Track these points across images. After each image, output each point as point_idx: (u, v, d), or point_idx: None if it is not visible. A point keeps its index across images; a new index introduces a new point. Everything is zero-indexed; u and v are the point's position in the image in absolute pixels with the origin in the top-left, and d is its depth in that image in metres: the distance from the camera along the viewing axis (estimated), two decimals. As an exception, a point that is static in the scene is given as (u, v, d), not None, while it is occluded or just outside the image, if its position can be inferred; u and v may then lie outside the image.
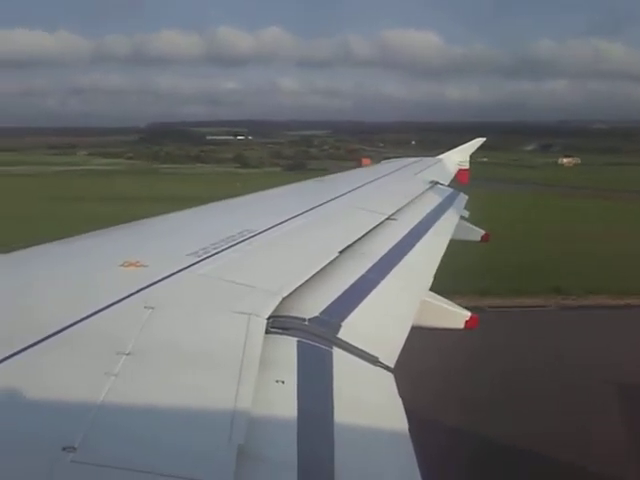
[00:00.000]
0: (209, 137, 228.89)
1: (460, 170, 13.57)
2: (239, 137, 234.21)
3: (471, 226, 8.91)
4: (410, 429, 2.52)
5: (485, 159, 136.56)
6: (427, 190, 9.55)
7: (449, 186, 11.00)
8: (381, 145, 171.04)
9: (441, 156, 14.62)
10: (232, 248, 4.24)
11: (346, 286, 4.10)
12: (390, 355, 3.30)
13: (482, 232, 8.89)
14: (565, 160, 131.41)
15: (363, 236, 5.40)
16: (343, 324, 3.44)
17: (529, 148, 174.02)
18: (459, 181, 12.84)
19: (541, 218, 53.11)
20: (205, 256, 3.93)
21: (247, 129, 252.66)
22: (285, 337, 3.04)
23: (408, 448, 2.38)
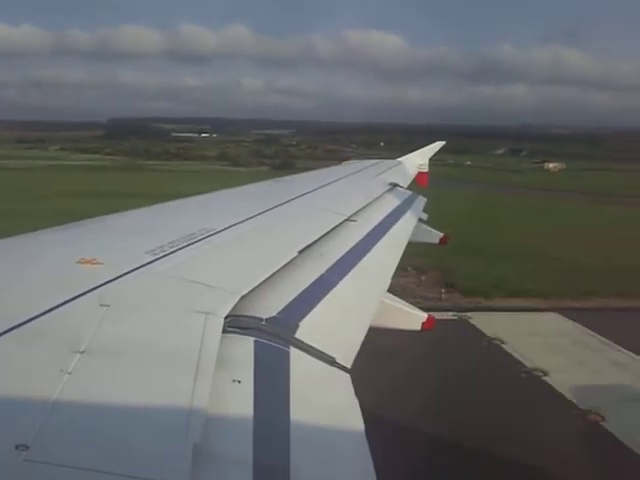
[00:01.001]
0: (174, 134, 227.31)
1: (420, 173, 13.69)
2: (203, 134, 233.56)
3: (429, 229, 9.00)
4: (366, 430, 2.54)
5: (469, 162, 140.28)
6: (387, 192, 9.53)
7: (408, 188, 11.10)
8: (353, 146, 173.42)
9: (401, 159, 14.66)
10: (191, 246, 4.21)
11: (304, 286, 4.09)
12: (347, 356, 3.30)
13: (440, 235, 8.99)
14: (551, 165, 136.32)
15: (322, 236, 5.38)
16: (301, 324, 3.43)
17: (499, 152, 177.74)
18: (418, 183, 12.97)
19: (593, 225, 53.54)
20: (163, 254, 3.89)
21: (210, 126, 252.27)
22: (242, 337, 3.02)
23: (364, 449, 2.40)
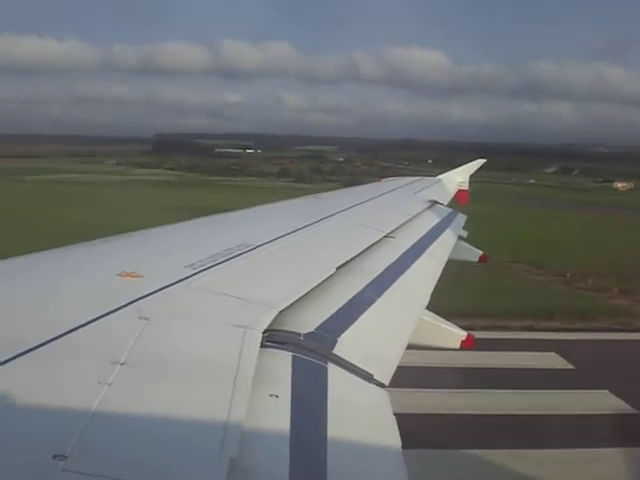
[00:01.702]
0: (218, 149, 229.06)
1: (459, 191, 13.57)
2: (248, 150, 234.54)
3: (469, 246, 8.92)
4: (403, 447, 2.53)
5: (533, 180, 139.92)
6: (426, 209, 9.51)
7: (448, 206, 11.01)
8: (405, 163, 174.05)
9: (441, 176, 14.65)
10: (230, 261, 4.23)
11: (343, 302, 4.09)
12: (385, 372, 3.29)
13: (480, 253, 8.91)
14: (620, 185, 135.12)
15: (361, 253, 5.39)
16: (339, 340, 3.43)
17: (550, 170, 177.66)
18: (458, 201, 12.85)
19: None
20: (202, 268, 3.93)
21: (252, 142, 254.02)
22: (280, 351, 3.03)
23: (400, 466, 2.39)
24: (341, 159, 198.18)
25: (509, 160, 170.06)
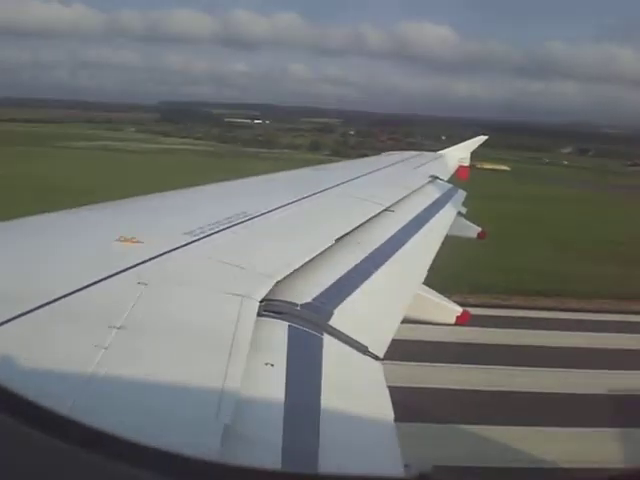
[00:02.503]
0: (227, 119, 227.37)
1: (461, 166, 13.58)
2: (256, 121, 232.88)
3: (468, 223, 8.87)
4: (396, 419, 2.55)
5: (566, 162, 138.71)
6: (426, 184, 9.46)
7: (448, 182, 10.96)
8: (419, 137, 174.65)
9: (442, 151, 14.59)
10: (229, 230, 4.24)
11: (340, 274, 4.12)
12: (380, 345, 3.32)
13: (479, 229, 8.89)
14: None
15: (360, 225, 5.39)
16: (335, 311, 3.45)
17: (566, 151, 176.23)
18: (459, 177, 12.84)
19: None
20: (202, 236, 3.93)
21: (259, 112, 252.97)
22: (276, 321, 3.05)
23: (393, 437, 2.43)
24: (351, 132, 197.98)
25: (522, 139, 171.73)
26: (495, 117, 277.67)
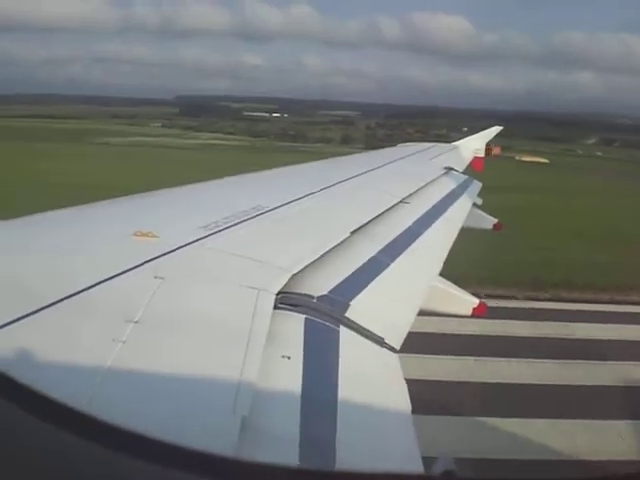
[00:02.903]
0: (245, 113, 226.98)
1: (476, 157, 13.49)
2: (275, 114, 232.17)
3: (483, 214, 8.84)
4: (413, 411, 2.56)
5: (599, 153, 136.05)
6: (441, 176, 9.42)
7: (464, 173, 10.90)
8: (444, 130, 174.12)
9: (457, 143, 14.49)
10: (245, 223, 4.24)
11: (356, 266, 4.12)
12: (396, 337, 3.33)
13: (494, 220, 8.85)
14: None
15: (376, 217, 5.39)
16: (351, 304, 3.46)
17: (591, 142, 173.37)
18: (474, 168, 12.81)
19: None
20: (217, 230, 3.93)
21: (277, 106, 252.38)
22: (293, 314, 3.06)
23: (409, 429, 2.44)
24: (373, 125, 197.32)
25: (547, 130, 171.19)
26: (513, 108, 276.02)
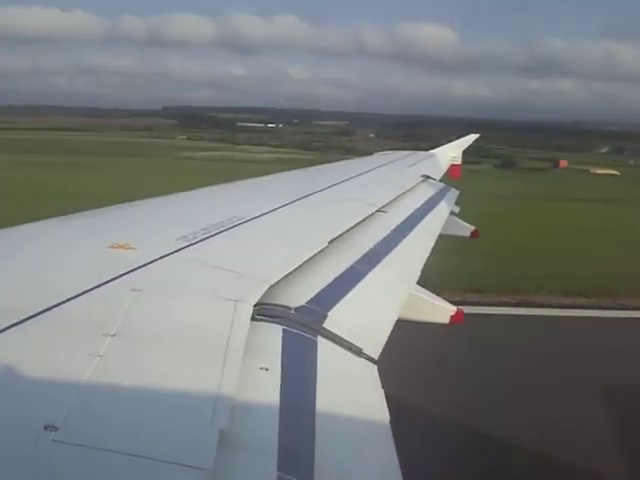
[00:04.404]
0: (239, 124, 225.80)
1: (453, 165, 13.53)
2: (270, 125, 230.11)
3: (461, 222, 8.86)
4: (391, 421, 2.54)
5: (631, 162, 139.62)
6: (419, 184, 9.46)
7: (441, 181, 10.92)
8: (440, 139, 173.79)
9: (434, 150, 14.54)
10: (222, 234, 4.22)
11: (334, 276, 4.11)
12: (374, 347, 3.30)
13: (472, 228, 8.84)
14: None
15: (353, 227, 5.37)
16: (329, 314, 3.43)
17: (603, 151, 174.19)
18: (451, 176, 12.82)
19: None
20: (195, 241, 3.91)
21: (267, 116, 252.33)
22: (270, 325, 3.03)
23: (388, 440, 2.42)
24: (372, 135, 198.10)
25: (559, 139, 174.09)
26: (498, 116, 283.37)
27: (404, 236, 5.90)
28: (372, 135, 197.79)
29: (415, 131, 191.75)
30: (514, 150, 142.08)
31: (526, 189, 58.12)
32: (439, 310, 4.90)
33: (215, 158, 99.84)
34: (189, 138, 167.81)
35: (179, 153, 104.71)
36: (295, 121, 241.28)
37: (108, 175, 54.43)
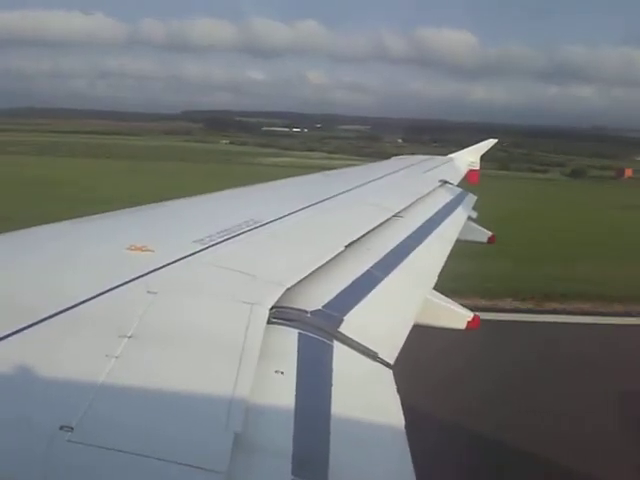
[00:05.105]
0: (264, 128, 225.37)
1: (470, 170, 13.39)
2: (295, 129, 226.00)
3: (478, 227, 8.81)
4: (406, 426, 2.54)
5: None
6: (436, 189, 9.43)
7: (458, 186, 10.82)
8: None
9: (452, 155, 14.46)
10: (239, 237, 4.23)
11: (350, 280, 4.10)
12: (390, 351, 3.29)
13: (489, 234, 8.76)
14: None
15: (370, 231, 5.37)
16: (345, 318, 3.43)
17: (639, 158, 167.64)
18: (469, 181, 12.69)
19: None
20: (212, 244, 3.92)
21: (290, 121, 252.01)
22: (286, 328, 3.04)
23: (404, 445, 2.41)
24: (399, 140, 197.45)
25: (599, 146, 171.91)
26: (518, 122, 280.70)
27: (421, 241, 5.88)
28: (400, 140, 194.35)
29: (443, 136, 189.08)
30: (568, 158, 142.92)
31: (627, 200, 55.14)
32: (455, 315, 4.85)
33: (283, 164, 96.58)
34: (232, 142, 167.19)
35: (239, 158, 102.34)
36: (318, 125, 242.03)
37: (207, 181, 53.21)
